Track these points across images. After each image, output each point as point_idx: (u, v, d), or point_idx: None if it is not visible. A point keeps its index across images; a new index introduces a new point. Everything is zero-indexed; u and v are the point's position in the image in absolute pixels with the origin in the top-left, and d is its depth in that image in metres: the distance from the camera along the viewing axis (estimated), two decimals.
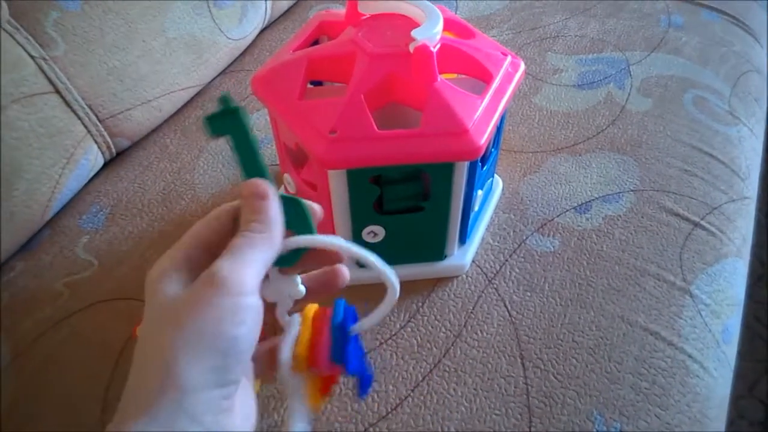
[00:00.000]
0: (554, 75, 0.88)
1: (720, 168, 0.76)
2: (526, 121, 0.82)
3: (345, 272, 0.40)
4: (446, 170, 0.56)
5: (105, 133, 0.77)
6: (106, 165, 0.80)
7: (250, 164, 0.36)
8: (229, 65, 0.94)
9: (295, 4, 1.08)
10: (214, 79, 0.91)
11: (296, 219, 0.36)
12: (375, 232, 0.60)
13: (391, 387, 0.57)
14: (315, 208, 0.37)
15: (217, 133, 0.37)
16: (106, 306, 0.65)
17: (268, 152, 0.79)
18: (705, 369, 0.59)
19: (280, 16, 1.06)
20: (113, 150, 0.80)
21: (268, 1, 0.97)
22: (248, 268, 0.32)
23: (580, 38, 0.95)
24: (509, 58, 0.60)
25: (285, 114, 0.55)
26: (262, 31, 1.01)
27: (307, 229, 0.36)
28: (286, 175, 0.65)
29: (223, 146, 0.81)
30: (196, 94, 0.89)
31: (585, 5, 1.02)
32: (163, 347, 0.29)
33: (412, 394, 0.56)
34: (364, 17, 0.60)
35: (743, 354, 1.21)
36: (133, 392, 0.30)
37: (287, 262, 0.36)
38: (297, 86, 0.56)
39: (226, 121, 0.37)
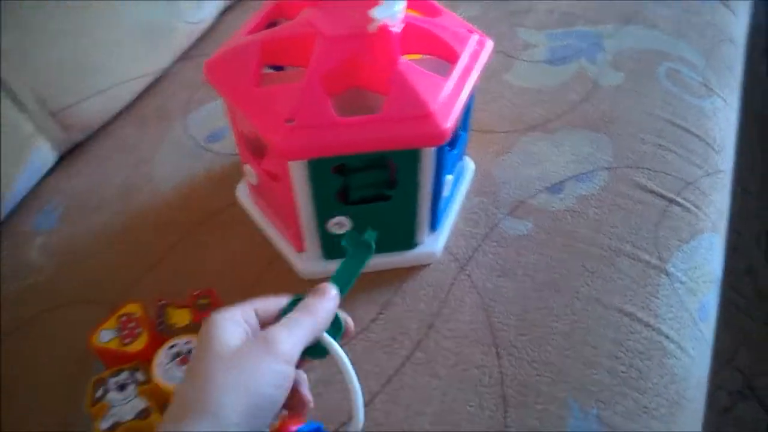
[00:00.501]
0: (525, 51, 0.86)
1: (694, 142, 0.74)
2: (497, 100, 0.79)
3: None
4: (412, 156, 0.53)
5: (57, 127, 0.73)
6: (60, 160, 0.77)
7: (344, 278, 0.44)
8: (189, 49, 0.90)
9: None
10: (172, 64, 0.87)
11: (333, 324, 0.42)
12: (341, 223, 0.58)
13: (361, 383, 0.55)
14: (349, 323, 0.43)
15: (345, 244, 0.46)
16: (63, 311, 0.62)
17: (228, 142, 0.76)
18: (682, 349, 0.58)
19: None
20: (68, 143, 0.76)
21: None
22: (297, 343, 0.37)
23: (550, 12, 0.92)
24: (476, 36, 0.57)
25: (239, 102, 0.53)
26: (225, 12, 0.97)
27: (337, 334, 0.42)
28: (246, 166, 0.62)
29: (182, 136, 0.78)
30: (155, 81, 0.85)
31: None
32: (211, 383, 0.33)
33: (383, 389, 0.55)
34: None
35: (721, 325, 1.22)
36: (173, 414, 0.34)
37: (314, 354, 0.40)
38: (251, 72, 0.53)
39: (360, 246, 0.46)
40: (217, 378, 0.33)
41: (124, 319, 0.56)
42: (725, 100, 0.82)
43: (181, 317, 0.57)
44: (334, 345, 0.41)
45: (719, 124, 0.78)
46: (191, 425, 0.32)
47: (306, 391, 0.40)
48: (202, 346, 0.36)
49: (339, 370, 0.40)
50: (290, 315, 0.39)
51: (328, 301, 0.41)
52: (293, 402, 0.39)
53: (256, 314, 0.39)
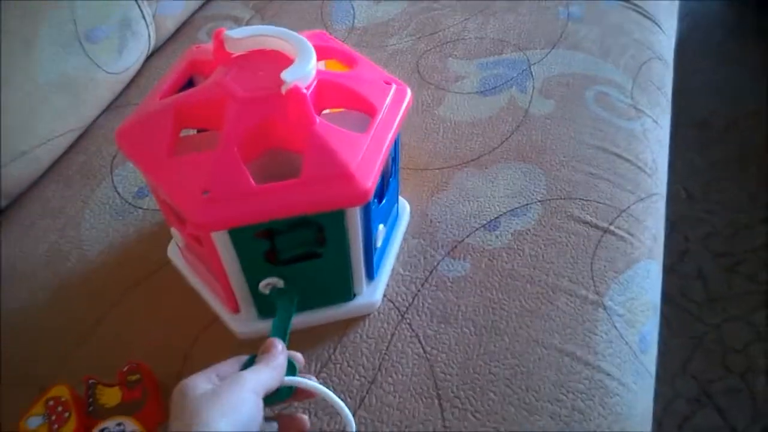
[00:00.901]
0: (456, 83, 0.86)
1: (626, 166, 0.75)
2: (430, 136, 0.79)
3: (306, 421, 0.50)
4: (337, 217, 0.52)
5: None
6: None
7: (281, 329, 0.52)
8: (114, 100, 0.88)
9: (183, 24, 1.02)
10: (97, 117, 0.85)
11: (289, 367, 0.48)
12: (273, 284, 0.57)
13: None
14: (298, 359, 0.50)
15: (273, 298, 0.56)
16: None
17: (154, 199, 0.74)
18: (624, 385, 0.58)
19: (168, 39, 0.99)
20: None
21: (150, 27, 0.91)
22: (262, 382, 0.44)
23: (480, 40, 0.93)
24: (394, 87, 0.57)
25: (153, 174, 0.51)
26: (149, 57, 0.95)
27: (293, 374, 0.49)
28: (172, 229, 0.60)
29: (109, 194, 0.75)
30: (79, 138, 0.82)
31: (483, 3, 1.00)
32: (198, 416, 0.39)
33: None
34: (235, 55, 0.56)
35: (674, 331, 1.24)
36: None
37: (280, 397, 0.47)
38: (165, 141, 0.51)
39: (284, 299, 0.55)
40: (202, 412, 0.39)
41: (51, 403, 0.54)
42: (656, 121, 0.83)
43: (111, 397, 0.55)
44: (296, 379, 0.48)
45: (650, 146, 0.79)
46: None
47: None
48: (179, 399, 0.41)
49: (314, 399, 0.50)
50: (251, 368, 0.45)
51: (280, 355, 0.47)
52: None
53: (218, 377, 0.44)
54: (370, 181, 0.49)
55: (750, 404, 1.14)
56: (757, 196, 1.46)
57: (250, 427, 0.41)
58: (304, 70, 0.50)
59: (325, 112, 0.57)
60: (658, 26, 1.00)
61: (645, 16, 1.00)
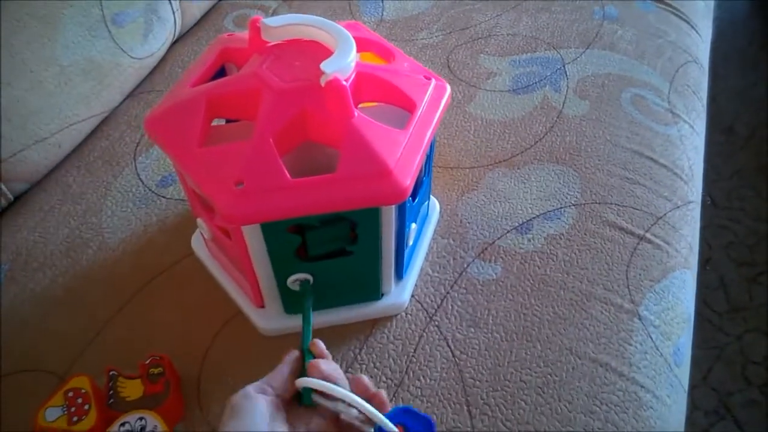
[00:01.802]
0: (488, 80, 0.84)
1: (662, 172, 0.73)
2: (461, 134, 0.77)
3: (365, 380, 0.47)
4: (372, 214, 0.50)
5: None
6: (2, 213, 0.72)
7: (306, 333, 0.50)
8: (137, 86, 0.86)
9: (209, 10, 1.00)
10: (120, 103, 0.83)
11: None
12: (302, 280, 0.55)
13: None
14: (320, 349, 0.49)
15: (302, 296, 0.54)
16: (7, 382, 0.58)
17: (178, 188, 0.73)
18: (658, 398, 0.56)
19: (193, 26, 0.98)
20: (9, 196, 0.72)
21: (176, 12, 0.89)
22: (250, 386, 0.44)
23: (512, 37, 0.90)
24: (433, 82, 0.55)
25: (184, 163, 0.49)
26: (174, 43, 0.93)
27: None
28: (199, 220, 0.59)
29: (132, 181, 0.73)
30: (101, 123, 0.81)
31: (516, 0, 0.98)
32: None
33: None
34: (271, 44, 0.54)
35: (695, 341, 1.21)
36: None
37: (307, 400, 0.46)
38: (196, 130, 0.50)
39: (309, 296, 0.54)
40: None
41: (71, 394, 0.52)
42: (692, 126, 0.81)
43: (133, 389, 0.54)
44: (327, 384, 0.44)
45: (687, 152, 0.77)
46: None
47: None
48: (244, 403, 0.42)
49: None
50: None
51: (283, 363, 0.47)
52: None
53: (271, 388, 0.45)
54: (408, 180, 0.48)
55: None
56: None
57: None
58: (345, 62, 0.48)
59: (360, 105, 0.55)
60: (695, 29, 0.97)
61: (681, 18, 0.97)
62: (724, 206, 1.44)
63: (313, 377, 0.45)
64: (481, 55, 0.88)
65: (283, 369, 0.46)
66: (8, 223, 0.70)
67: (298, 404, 0.46)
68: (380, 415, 0.43)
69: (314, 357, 0.47)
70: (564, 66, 0.85)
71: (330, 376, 0.45)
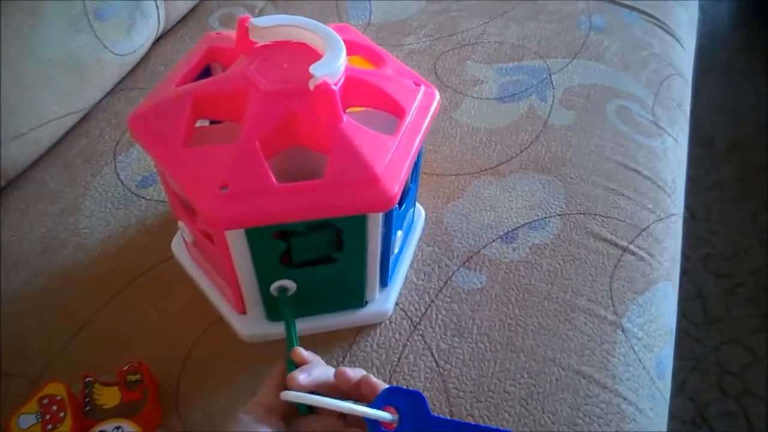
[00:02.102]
0: (474, 87, 0.84)
1: (646, 185, 0.73)
2: (447, 140, 0.77)
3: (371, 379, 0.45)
4: (359, 221, 0.50)
5: None
6: None
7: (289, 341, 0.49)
8: (119, 83, 0.84)
9: (193, 8, 0.99)
10: (100, 100, 0.81)
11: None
12: (285, 287, 0.54)
13: None
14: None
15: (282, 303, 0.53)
16: None
17: (159, 189, 0.71)
18: (640, 411, 0.56)
19: (177, 23, 0.96)
20: None
21: (160, 8, 0.87)
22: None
23: (499, 44, 0.90)
24: (423, 89, 0.54)
25: (167, 164, 0.48)
26: (157, 41, 0.91)
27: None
28: (180, 223, 0.58)
29: (111, 181, 0.72)
30: (81, 120, 0.79)
31: (503, 6, 0.98)
32: None
33: None
34: (259, 44, 0.53)
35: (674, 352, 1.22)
36: None
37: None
38: (180, 130, 0.48)
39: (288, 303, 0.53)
40: None
41: (46, 401, 0.51)
42: (676, 139, 0.82)
43: (109, 397, 0.52)
44: (306, 396, 0.43)
45: (670, 165, 0.77)
46: None
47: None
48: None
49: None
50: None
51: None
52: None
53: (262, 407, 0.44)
54: (396, 187, 0.47)
55: (745, 429, 1.13)
56: (758, 219, 1.45)
57: None
58: (334, 66, 0.48)
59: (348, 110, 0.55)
60: (679, 42, 0.98)
61: (666, 31, 0.98)
62: (703, 218, 1.45)
63: (293, 390, 0.44)
64: (468, 61, 0.88)
65: (271, 385, 0.45)
66: None
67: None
68: (365, 409, 0.42)
69: (296, 365, 0.46)
70: (550, 75, 0.85)
71: (310, 385, 0.44)
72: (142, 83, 0.85)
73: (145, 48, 0.87)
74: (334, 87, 0.47)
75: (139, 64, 0.87)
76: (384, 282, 0.60)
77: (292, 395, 0.43)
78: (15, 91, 0.69)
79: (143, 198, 0.70)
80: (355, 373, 0.45)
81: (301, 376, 0.44)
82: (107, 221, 0.68)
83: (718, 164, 1.58)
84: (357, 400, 0.44)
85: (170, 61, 0.88)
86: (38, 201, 0.70)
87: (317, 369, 0.46)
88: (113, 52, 0.80)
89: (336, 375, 0.45)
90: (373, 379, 0.44)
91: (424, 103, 0.53)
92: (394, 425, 0.42)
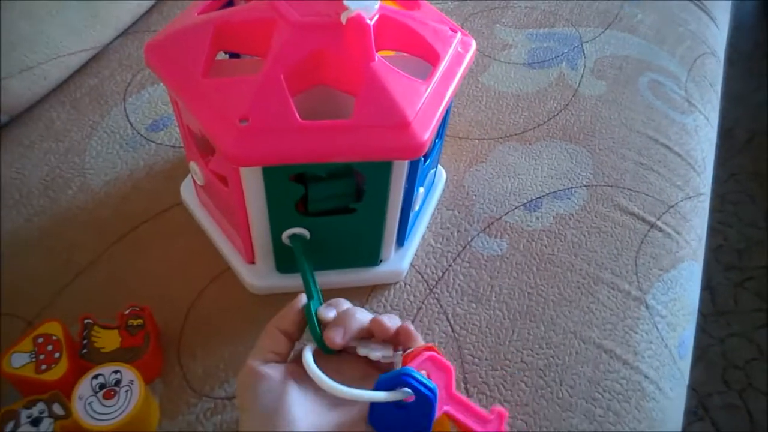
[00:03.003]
0: (503, 51, 0.80)
1: (676, 161, 0.70)
2: (472, 103, 0.73)
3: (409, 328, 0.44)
4: (383, 169, 0.47)
5: None
6: None
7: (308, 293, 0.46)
8: (132, 24, 0.81)
9: None
10: (112, 41, 0.78)
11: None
12: (298, 235, 0.51)
13: None
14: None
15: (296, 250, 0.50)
16: None
17: (174, 131, 0.68)
18: (661, 390, 0.54)
19: None
20: None
21: None
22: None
23: (530, 9, 0.87)
24: (459, 35, 0.51)
25: (184, 94, 0.45)
26: None
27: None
28: (192, 164, 0.55)
29: (120, 122, 0.69)
30: (91, 59, 0.75)
31: None
32: None
33: None
34: None
35: None
36: None
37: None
38: (200, 59, 0.45)
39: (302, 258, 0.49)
40: None
41: (41, 341, 0.48)
42: (707, 118, 0.79)
43: (108, 340, 0.49)
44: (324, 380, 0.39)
45: (701, 143, 0.74)
46: None
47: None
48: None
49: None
50: None
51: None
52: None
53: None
54: (427, 134, 0.44)
55: (746, 422, 1.12)
56: None
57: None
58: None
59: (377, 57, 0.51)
60: (714, 21, 0.95)
61: (701, 8, 0.94)
62: (717, 209, 1.43)
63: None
64: (497, 25, 0.84)
65: (279, 333, 0.43)
66: None
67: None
68: (381, 395, 0.39)
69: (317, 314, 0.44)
70: (582, 44, 0.82)
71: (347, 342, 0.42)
72: (157, 26, 0.81)
73: None
74: (368, 21, 0.44)
75: (155, 5, 0.84)
76: (401, 241, 0.58)
77: (312, 369, 0.40)
78: (24, 22, 0.66)
79: (153, 142, 0.67)
80: (392, 322, 0.42)
81: (338, 338, 0.41)
82: (114, 163, 0.65)
83: (735, 155, 1.55)
84: (395, 347, 0.42)
85: (187, 5, 0.84)
86: (43, 139, 0.67)
87: (352, 323, 0.42)
88: None
89: (372, 324, 0.42)
90: (411, 327, 0.42)
91: (459, 51, 0.50)
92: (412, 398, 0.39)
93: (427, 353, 0.41)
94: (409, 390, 0.39)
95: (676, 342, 0.58)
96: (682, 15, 0.90)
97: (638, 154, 0.70)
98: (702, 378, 1.16)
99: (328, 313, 0.44)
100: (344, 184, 0.49)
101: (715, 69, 0.87)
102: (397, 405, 0.39)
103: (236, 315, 0.55)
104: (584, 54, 0.80)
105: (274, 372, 0.41)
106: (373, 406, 0.40)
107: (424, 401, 0.39)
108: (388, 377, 0.40)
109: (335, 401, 0.40)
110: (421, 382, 0.39)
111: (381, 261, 0.57)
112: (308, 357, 0.41)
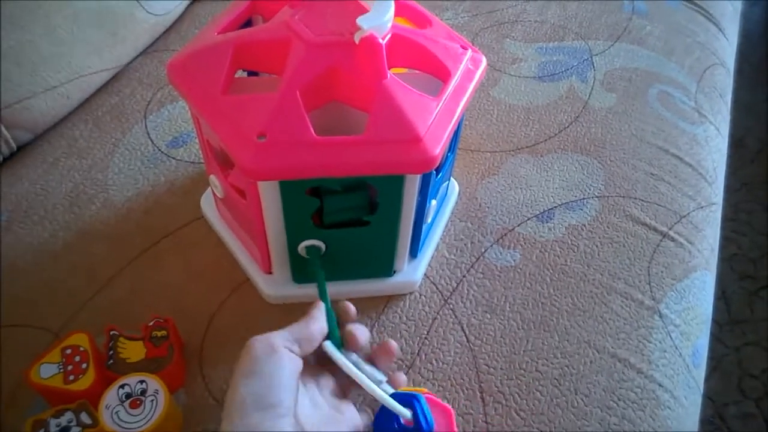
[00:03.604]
0: (513, 65, 0.82)
1: (687, 171, 0.71)
2: (483, 117, 0.75)
3: (393, 345, 0.48)
4: (395, 182, 0.48)
5: (1, 126, 0.66)
6: (4, 162, 0.69)
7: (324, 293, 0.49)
8: (152, 44, 0.83)
9: None
10: (132, 60, 0.80)
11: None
12: (310, 246, 0.52)
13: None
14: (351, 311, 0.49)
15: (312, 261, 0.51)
16: None
17: (193, 148, 0.70)
18: (675, 398, 0.54)
19: None
20: (12, 144, 0.69)
21: None
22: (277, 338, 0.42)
23: (540, 24, 0.88)
24: (470, 53, 0.52)
25: (205, 111, 0.46)
26: (192, 3, 0.90)
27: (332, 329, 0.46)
28: (212, 177, 0.56)
29: (141, 139, 0.71)
30: (112, 79, 0.78)
31: None
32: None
33: None
34: None
35: None
36: None
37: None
38: (220, 77, 0.47)
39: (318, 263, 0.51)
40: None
41: (68, 352, 0.49)
42: (717, 128, 0.79)
43: (134, 351, 0.51)
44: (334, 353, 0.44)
45: (711, 154, 0.75)
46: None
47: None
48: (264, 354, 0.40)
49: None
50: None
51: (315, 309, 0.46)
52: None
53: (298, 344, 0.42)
54: (438, 149, 0.45)
55: (763, 431, 1.11)
56: None
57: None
58: (382, 19, 0.46)
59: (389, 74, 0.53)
60: (722, 32, 0.96)
61: (709, 19, 0.95)
62: (730, 218, 1.42)
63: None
64: (507, 39, 0.85)
65: (313, 326, 0.44)
66: (9, 173, 0.67)
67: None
68: (392, 402, 0.42)
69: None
70: (591, 57, 0.83)
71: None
72: (175, 45, 0.83)
73: (180, 9, 0.86)
74: (380, 41, 0.45)
75: (173, 26, 0.86)
76: (414, 252, 0.59)
77: (337, 355, 0.44)
78: (46, 43, 0.68)
79: (173, 158, 0.69)
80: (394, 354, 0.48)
81: (363, 336, 0.47)
82: (136, 179, 0.67)
83: (747, 164, 1.54)
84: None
85: (203, 25, 0.87)
86: (67, 156, 0.69)
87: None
88: (148, 11, 0.79)
89: (383, 346, 0.47)
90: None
91: (470, 67, 0.51)
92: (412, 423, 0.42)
93: (426, 394, 0.44)
94: (410, 415, 0.41)
95: (690, 351, 0.58)
96: (691, 26, 0.91)
97: (649, 165, 0.70)
98: (718, 387, 1.15)
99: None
100: (358, 198, 0.50)
101: (724, 79, 0.87)
102: (398, 427, 0.42)
103: (256, 326, 0.56)
104: (594, 67, 0.81)
105: (291, 358, 0.41)
106: (377, 423, 0.43)
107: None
108: (400, 394, 0.43)
109: (330, 417, 0.42)
110: (423, 412, 0.42)
111: (395, 272, 0.58)
112: (331, 346, 0.44)
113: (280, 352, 0.40)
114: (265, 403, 0.38)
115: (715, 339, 1.22)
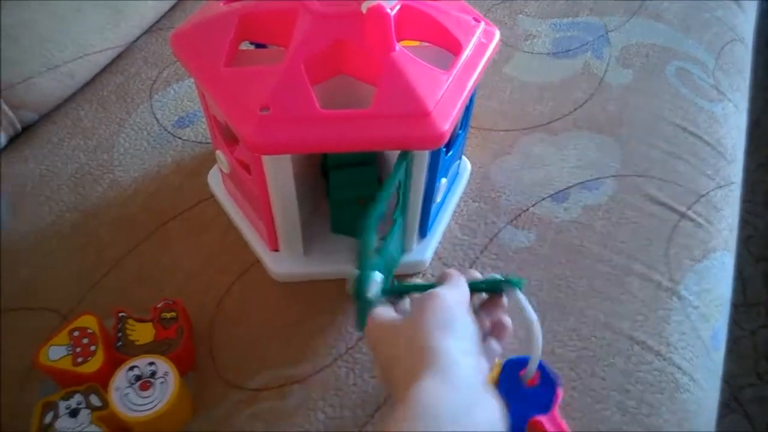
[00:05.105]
0: (526, 41, 0.79)
1: (706, 150, 0.69)
2: (496, 94, 0.73)
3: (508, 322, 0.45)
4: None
5: (4, 107, 0.65)
6: (9, 143, 0.68)
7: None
8: (157, 21, 0.81)
9: None
10: (138, 38, 0.79)
11: None
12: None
13: (347, 412, 0.49)
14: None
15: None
16: (7, 318, 0.54)
17: (200, 127, 0.69)
18: (695, 381, 0.53)
19: None
20: (17, 125, 0.68)
21: None
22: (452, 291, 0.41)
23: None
24: (482, 26, 0.50)
25: (208, 83, 0.45)
26: None
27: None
28: (218, 152, 0.55)
29: (146, 119, 0.69)
30: (117, 57, 0.76)
31: None
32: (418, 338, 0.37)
33: (371, 420, 0.48)
34: None
35: None
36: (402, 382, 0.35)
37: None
38: (224, 49, 0.46)
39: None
40: (425, 332, 0.38)
41: (77, 334, 0.49)
42: (736, 106, 0.77)
43: (143, 333, 0.50)
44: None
45: (730, 131, 0.73)
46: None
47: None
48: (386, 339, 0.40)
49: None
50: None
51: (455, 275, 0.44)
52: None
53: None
54: (447, 124, 0.43)
55: None
56: None
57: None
58: None
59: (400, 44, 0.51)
60: (740, 7, 0.92)
61: None
62: (747, 200, 1.39)
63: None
64: (520, 15, 0.83)
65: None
66: (14, 154, 0.67)
67: None
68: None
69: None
70: (607, 33, 0.81)
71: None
72: (180, 23, 0.82)
73: None
74: (388, 11, 0.43)
75: (177, 4, 0.84)
76: (423, 232, 0.57)
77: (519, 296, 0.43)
78: (53, 21, 0.67)
79: (179, 138, 0.68)
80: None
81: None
82: (142, 159, 0.66)
83: (763, 145, 1.51)
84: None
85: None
86: (72, 136, 0.68)
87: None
88: None
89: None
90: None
91: (482, 41, 0.50)
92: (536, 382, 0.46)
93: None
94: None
95: (709, 333, 0.56)
96: (708, 1, 0.88)
97: (667, 143, 0.68)
98: (734, 370, 1.13)
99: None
100: (366, 173, 0.49)
101: (743, 56, 0.85)
102: (523, 384, 0.46)
103: (265, 307, 0.55)
104: (610, 43, 0.79)
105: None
106: (504, 375, 0.47)
107: (549, 385, 0.46)
108: (519, 358, 0.47)
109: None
110: (549, 368, 0.47)
111: (404, 251, 0.57)
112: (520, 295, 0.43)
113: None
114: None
115: (731, 321, 1.19)
